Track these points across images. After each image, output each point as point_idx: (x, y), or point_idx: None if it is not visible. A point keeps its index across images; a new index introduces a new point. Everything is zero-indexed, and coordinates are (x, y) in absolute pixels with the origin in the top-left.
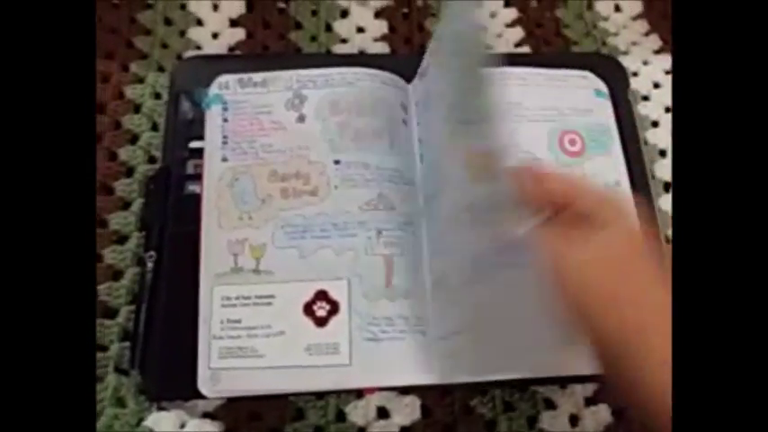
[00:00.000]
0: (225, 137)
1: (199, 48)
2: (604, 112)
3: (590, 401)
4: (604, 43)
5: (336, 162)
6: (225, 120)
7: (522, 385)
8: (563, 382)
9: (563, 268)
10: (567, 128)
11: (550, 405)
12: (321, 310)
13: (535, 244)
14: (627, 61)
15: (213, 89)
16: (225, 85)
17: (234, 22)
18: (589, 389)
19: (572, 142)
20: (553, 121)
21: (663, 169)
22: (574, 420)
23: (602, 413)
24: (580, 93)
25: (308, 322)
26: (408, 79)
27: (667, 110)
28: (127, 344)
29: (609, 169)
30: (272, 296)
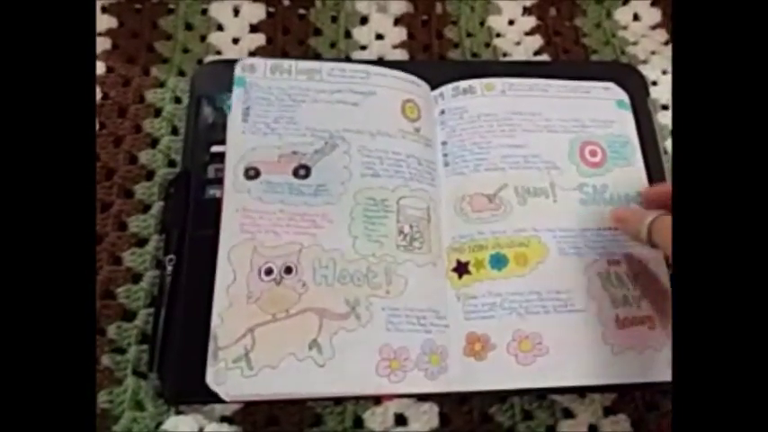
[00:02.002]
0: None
1: (219, 53)
2: (626, 124)
3: (609, 411)
4: (623, 52)
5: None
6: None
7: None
8: (582, 391)
9: None
10: (588, 139)
11: (569, 414)
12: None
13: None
14: (646, 70)
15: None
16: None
17: (254, 28)
18: (608, 398)
19: (593, 153)
20: (574, 132)
21: None
22: (593, 430)
23: (622, 423)
24: (602, 104)
25: None
26: (432, 86)
27: None
28: (145, 347)
29: (631, 181)
30: None
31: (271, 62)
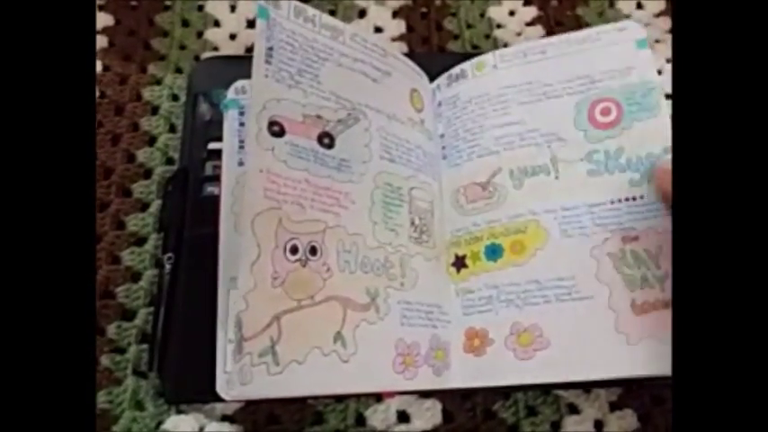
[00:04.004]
0: (241, 141)
1: (216, 49)
2: (649, 67)
3: (615, 406)
4: None
5: None
6: (241, 124)
7: (545, 390)
8: (587, 386)
9: None
10: (600, 96)
11: (574, 410)
12: None
13: None
14: None
15: (230, 94)
16: (241, 89)
17: (251, 23)
18: (614, 393)
19: (605, 112)
20: (581, 91)
21: None
22: (598, 426)
23: (628, 418)
24: (616, 50)
25: None
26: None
27: None
28: (145, 346)
29: (654, 135)
30: None
31: (294, 3)
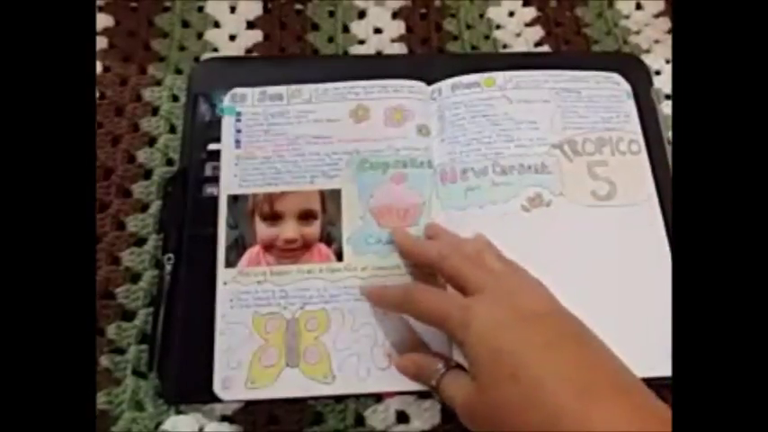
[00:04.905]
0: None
1: (216, 50)
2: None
3: None
4: (626, 42)
5: None
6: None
7: None
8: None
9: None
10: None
11: None
12: None
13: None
14: (649, 60)
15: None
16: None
17: (251, 24)
18: None
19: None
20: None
21: None
22: None
23: None
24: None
25: None
26: (429, 81)
27: None
28: (145, 347)
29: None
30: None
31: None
